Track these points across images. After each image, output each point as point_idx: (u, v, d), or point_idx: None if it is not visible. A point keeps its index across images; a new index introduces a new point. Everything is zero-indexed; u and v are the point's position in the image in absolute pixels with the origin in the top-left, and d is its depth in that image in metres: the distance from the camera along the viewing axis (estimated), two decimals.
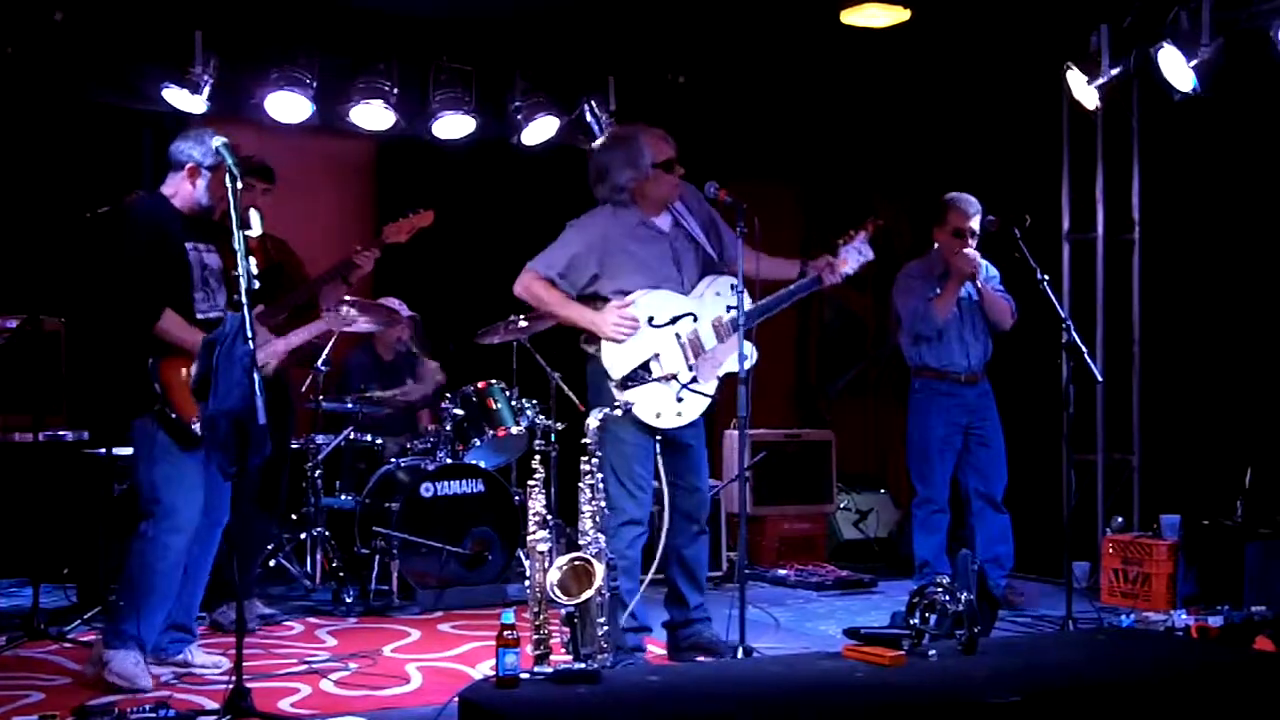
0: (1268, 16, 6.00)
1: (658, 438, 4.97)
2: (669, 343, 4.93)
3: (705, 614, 5.13)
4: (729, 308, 4.90)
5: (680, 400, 4.90)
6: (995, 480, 6.36)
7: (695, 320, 4.97)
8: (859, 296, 9.10)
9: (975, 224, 6.22)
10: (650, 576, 4.99)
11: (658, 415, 4.88)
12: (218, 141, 4.47)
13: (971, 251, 6.19)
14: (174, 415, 4.56)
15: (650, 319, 4.92)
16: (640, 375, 4.88)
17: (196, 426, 4.49)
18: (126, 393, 4.65)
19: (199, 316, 4.69)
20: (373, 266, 5.65)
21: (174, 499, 4.58)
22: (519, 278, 5.04)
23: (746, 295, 4.86)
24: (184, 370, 4.55)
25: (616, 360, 4.89)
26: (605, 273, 4.95)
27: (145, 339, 4.61)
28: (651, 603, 5.19)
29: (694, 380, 4.92)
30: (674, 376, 4.89)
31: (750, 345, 4.84)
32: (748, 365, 4.81)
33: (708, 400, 4.96)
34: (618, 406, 4.70)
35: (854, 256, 5.12)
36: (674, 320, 4.94)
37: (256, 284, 4.16)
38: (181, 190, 4.76)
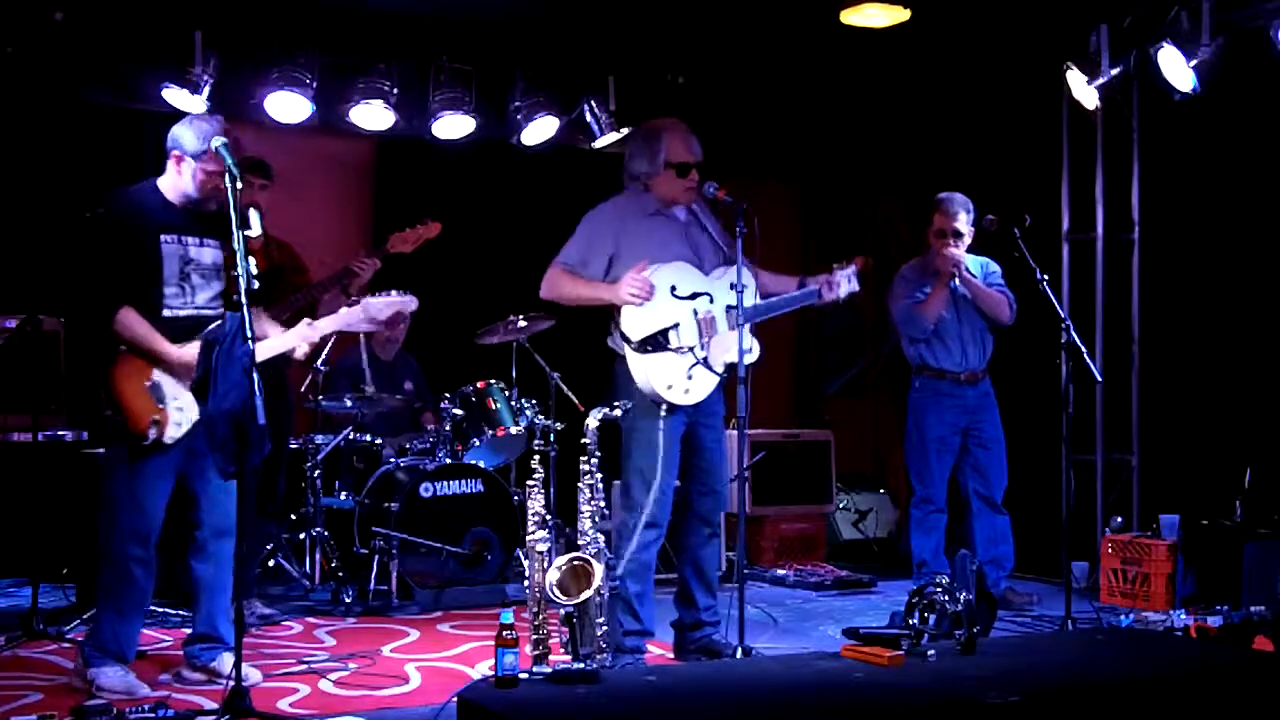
0: (1268, 16, 6.01)
1: (680, 437, 4.97)
2: (687, 316, 4.93)
3: (716, 617, 5.11)
4: (734, 302, 4.90)
5: (690, 378, 4.90)
6: (995, 481, 6.36)
7: (711, 301, 4.98)
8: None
9: (961, 224, 6.21)
10: (655, 577, 5.00)
11: (669, 387, 4.87)
12: (217, 141, 4.31)
13: (951, 250, 6.18)
14: (124, 424, 4.40)
15: (672, 288, 4.92)
16: (660, 342, 4.88)
17: (152, 434, 4.40)
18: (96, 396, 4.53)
19: (166, 314, 4.49)
20: (371, 276, 5.62)
21: (125, 511, 4.47)
22: (543, 280, 5.04)
23: (750, 291, 4.87)
24: (141, 375, 4.43)
25: (636, 323, 4.88)
26: (622, 250, 4.97)
27: (103, 338, 4.43)
28: (658, 605, 5.18)
29: (705, 360, 4.93)
30: (690, 349, 4.90)
31: (754, 340, 4.86)
32: (751, 360, 4.82)
33: (716, 380, 4.96)
34: (617, 407, 4.70)
35: (845, 283, 5.23)
36: (693, 296, 4.95)
37: (256, 284, 4.13)
38: (171, 179, 4.57)
